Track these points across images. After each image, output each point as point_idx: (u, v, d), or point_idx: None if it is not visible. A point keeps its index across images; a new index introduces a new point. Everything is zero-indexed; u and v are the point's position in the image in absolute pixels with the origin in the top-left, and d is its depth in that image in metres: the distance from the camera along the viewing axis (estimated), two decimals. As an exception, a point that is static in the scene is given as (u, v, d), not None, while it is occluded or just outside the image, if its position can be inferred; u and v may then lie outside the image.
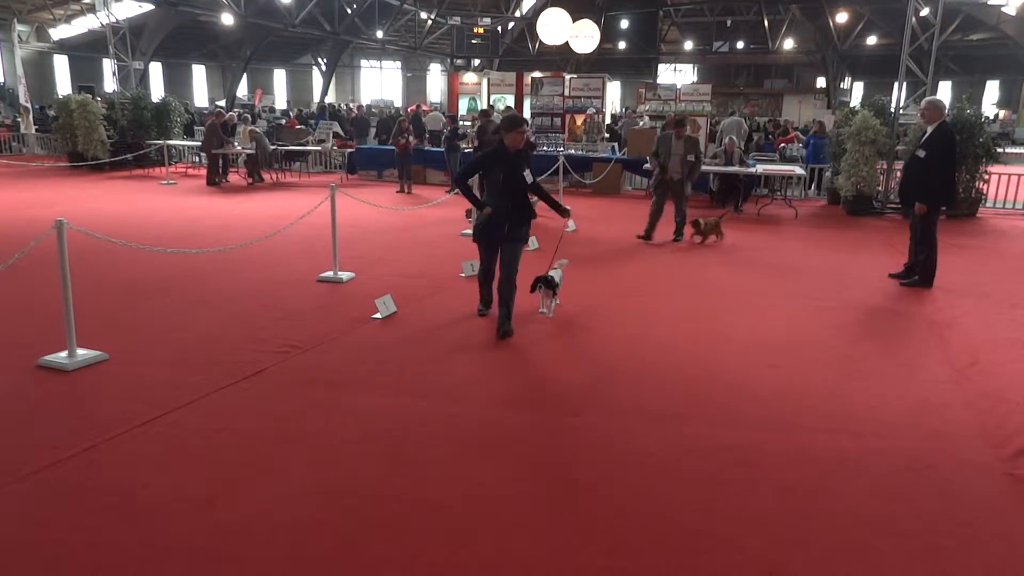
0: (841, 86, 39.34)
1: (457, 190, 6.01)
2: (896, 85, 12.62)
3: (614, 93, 38.31)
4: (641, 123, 16.84)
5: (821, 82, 40.13)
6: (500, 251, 5.49)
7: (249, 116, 19.31)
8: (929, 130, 6.99)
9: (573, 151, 15.39)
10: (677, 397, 4.44)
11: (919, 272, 7.24)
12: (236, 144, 15.29)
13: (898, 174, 12.22)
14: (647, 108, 17.75)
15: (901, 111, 12.56)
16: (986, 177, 12.30)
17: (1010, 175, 13.00)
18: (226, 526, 3.00)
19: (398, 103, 41.22)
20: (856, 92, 40.47)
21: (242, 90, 37.64)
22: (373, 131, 20.42)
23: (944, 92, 40.80)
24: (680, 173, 9.18)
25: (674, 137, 9.24)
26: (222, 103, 30.55)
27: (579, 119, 17.03)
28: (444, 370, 4.82)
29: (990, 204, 12.86)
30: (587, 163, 14.60)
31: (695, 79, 40.12)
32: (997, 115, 36.61)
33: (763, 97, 40.79)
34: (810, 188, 14.51)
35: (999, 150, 13.54)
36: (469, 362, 5.01)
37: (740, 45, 39.68)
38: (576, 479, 3.48)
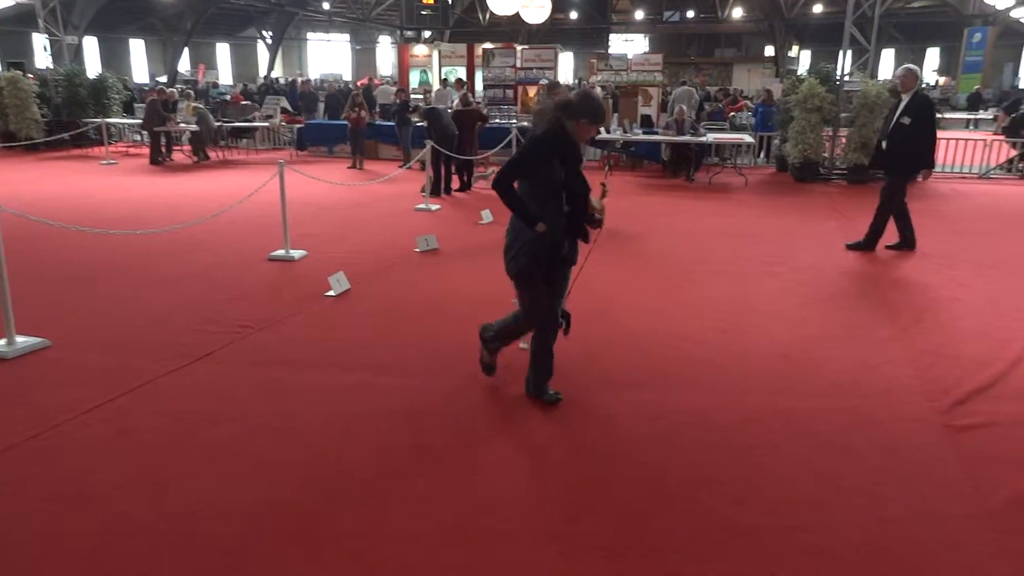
0: (789, 54, 39.83)
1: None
2: (840, 53, 12.83)
3: (566, 64, 38.17)
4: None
5: (769, 51, 40.57)
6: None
7: (192, 92, 18.69)
8: (906, 98, 7.09)
9: (526, 123, 15.31)
10: (633, 364, 4.50)
11: (872, 232, 7.40)
12: (179, 121, 14.81)
13: (843, 140, 12.53)
14: (599, 79, 17.75)
15: (845, 78, 12.79)
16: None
17: (949, 140, 13.41)
18: (181, 509, 2.96)
19: (347, 77, 40.38)
20: (804, 60, 41.05)
21: (184, 65, 36.36)
22: (322, 106, 19.99)
23: (887, 59, 41.66)
24: None
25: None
26: (163, 79, 29.49)
27: (532, 91, 16.92)
28: (401, 345, 4.80)
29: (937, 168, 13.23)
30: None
31: (647, 49, 40.16)
32: (937, 82, 37.61)
33: (713, 66, 41.05)
34: (759, 156, 14.74)
35: (939, 116, 13.95)
36: (426, 337, 4.99)
37: (690, 14, 39.82)
38: (535, 447, 3.52)
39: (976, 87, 29.11)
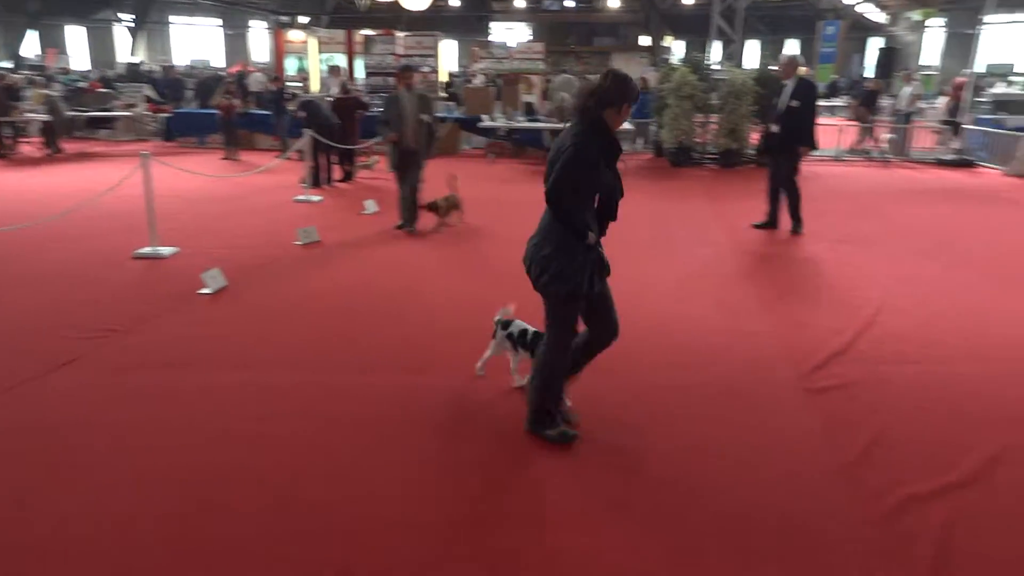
0: (663, 44, 41.37)
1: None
2: (709, 43, 13.47)
3: (449, 52, 37.89)
4: (476, 81, 16.82)
5: (645, 40, 41.98)
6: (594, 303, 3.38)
7: (44, 79, 17.16)
8: (790, 84, 7.53)
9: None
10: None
11: (793, 218, 7.75)
12: (24, 111, 13.56)
13: (713, 127, 13.17)
14: (482, 67, 17.77)
15: (713, 67, 13.44)
16: (788, 127, 13.51)
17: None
18: (43, 523, 2.74)
19: (218, 63, 38.33)
20: (678, 49, 42.80)
21: (34, 49, 33.29)
22: (192, 94, 18.90)
23: (752, 49, 44.07)
24: (416, 141, 7.27)
25: (405, 93, 7.28)
26: (6, 64, 26.90)
27: (415, 78, 16.72)
28: (284, 341, 4.64)
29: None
30: (437, 121, 14.42)
31: (529, 37, 40.56)
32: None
33: (593, 55, 42.06)
34: (637, 142, 15.25)
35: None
36: (311, 330, 4.85)
37: (570, 3, 40.53)
38: (431, 432, 3.51)
39: (832, 76, 31.38)
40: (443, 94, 17.49)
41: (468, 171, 12.11)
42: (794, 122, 7.46)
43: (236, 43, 43.05)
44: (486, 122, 13.19)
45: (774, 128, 7.65)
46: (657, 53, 38.22)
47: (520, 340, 3.81)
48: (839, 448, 3.37)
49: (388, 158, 7.67)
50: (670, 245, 7.23)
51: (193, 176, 8.42)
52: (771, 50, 43.81)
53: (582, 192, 3.16)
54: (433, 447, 3.39)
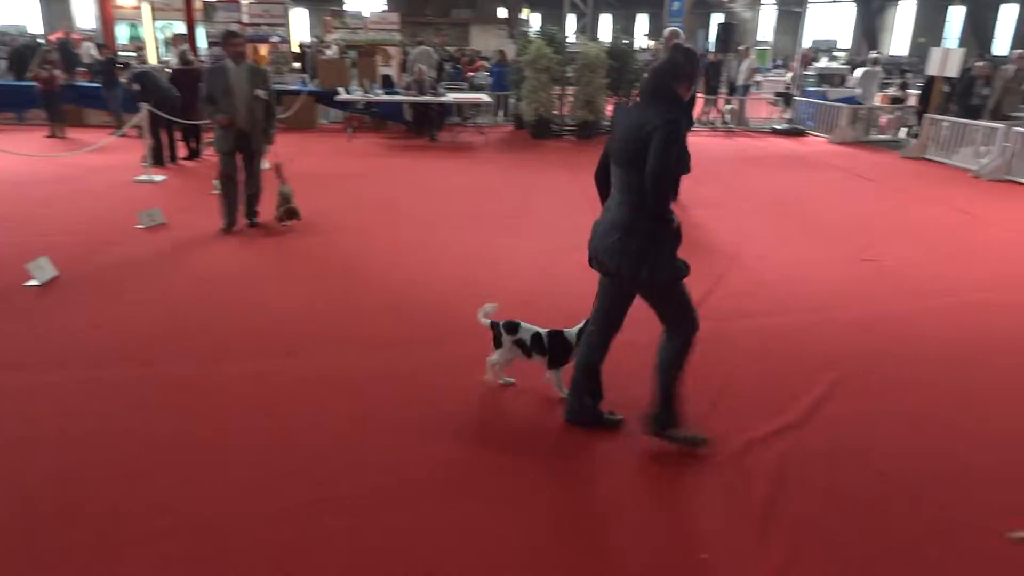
0: (520, 16, 41.63)
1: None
2: (563, 15, 13.71)
3: (300, 21, 36.19)
4: (329, 52, 16.21)
5: (503, 12, 42.08)
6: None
7: None
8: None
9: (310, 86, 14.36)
10: (384, 324, 4.52)
11: None
12: None
13: (571, 99, 13.47)
14: (335, 37, 17.13)
15: (568, 40, 13.72)
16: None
17: (657, 97, 15.06)
18: None
19: (35, 29, 34.46)
20: (536, 22, 43.27)
21: None
22: (4, 64, 16.90)
23: (605, 23, 45.36)
24: (250, 121, 6.32)
25: (232, 65, 6.24)
26: None
27: (263, 49, 15.85)
28: (127, 331, 4.32)
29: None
30: (276, 96, 13.75)
31: (384, 8, 39.49)
32: (647, 45, 41.87)
33: (451, 27, 41.69)
34: (498, 114, 15.35)
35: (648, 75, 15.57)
36: (161, 318, 4.54)
37: (425, -27, 39.72)
38: (291, 416, 3.41)
39: (678, 50, 32.78)
40: (296, 65, 16.73)
41: (326, 146, 11.76)
42: None
43: (58, 8, 38.90)
44: (343, 95, 12.76)
45: None
46: (515, 25, 38.45)
47: (535, 346, 3.55)
48: (693, 400, 3.60)
49: (216, 143, 6.45)
50: (532, 216, 7.37)
51: (13, 156, 7.58)
52: (622, 24, 45.30)
53: (675, 171, 2.97)
54: (289, 434, 3.30)
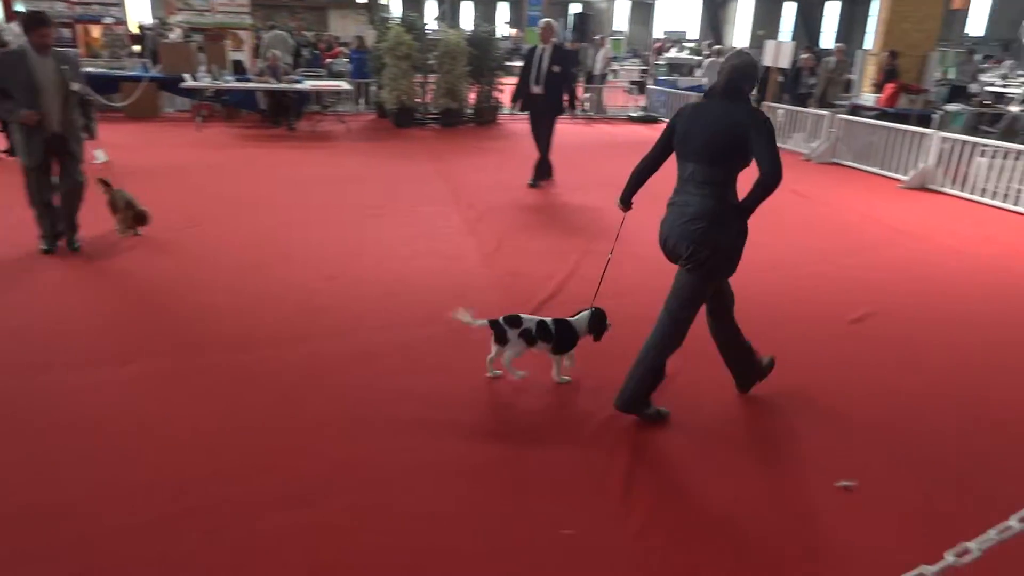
0: (381, 1, 40.79)
1: None
2: (424, 2, 13.54)
3: (138, 1, 33.58)
4: (172, 36, 15.16)
5: (362, -3, 40.98)
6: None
7: None
8: (548, 48, 7.93)
9: (92, 69, 13.18)
10: (244, 324, 4.32)
11: (542, 171, 8.34)
12: None
13: (432, 87, 13.38)
14: (179, 19, 16.03)
15: (428, 27, 13.60)
16: (501, 88, 14.23)
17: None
18: None
19: None
20: (396, 8, 42.55)
21: None
22: None
23: (467, 11, 45.36)
24: (65, 123, 5.17)
25: (35, 55, 4.97)
26: None
27: (95, 30, 14.57)
28: (-62, 348, 3.86)
29: (506, 111, 14.96)
30: (113, 83, 12.71)
31: (233, -12, 37.40)
32: (509, 33, 42.31)
33: (308, 11, 40.16)
34: (359, 103, 15.00)
35: (509, 64, 15.79)
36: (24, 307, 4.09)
37: (277, -46, 37.98)
38: (137, 423, 3.19)
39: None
40: (135, 48, 15.52)
41: (172, 137, 11.03)
42: (556, 85, 7.98)
43: None
44: (189, 82, 11.99)
45: (537, 90, 8.01)
46: (375, 11, 37.64)
47: (541, 334, 3.58)
48: (553, 382, 3.72)
49: (21, 154, 5.18)
50: (397, 205, 7.28)
51: None
52: (483, 12, 45.45)
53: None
54: (144, 437, 3.10)
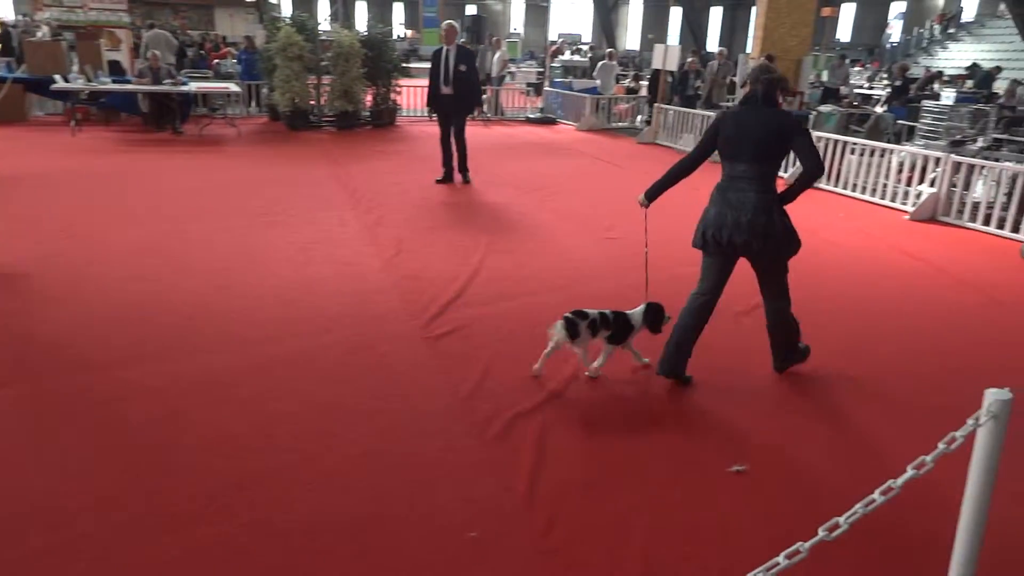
0: (270, 1, 39.53)
1: None
2: (315, 2, 13.21)
3: (1, -4, 31.23)
4: (40, 34, 14.13)
5: (249, -5, 39.59)
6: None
7: None
8: (453, 49, 8.12)
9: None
10: (128, 338, 4.07)
11: (462, 168, 8.69)
12: None
13: (326, 89, 13.08)
14: (47, 16, 14.93)
15: (321, 27, 13.28)
16: (399, 90, 14.09)
17: (417, 87, 15.21)
18: None
19: None
20: (286, 7, 41.32)
21: None
22: None
23: (360, 11, 44.63)
24: None
25: None
26: None
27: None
28: None
29: (405, 113, 14.84)
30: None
31: (108, -16, 35.26)
32: (406, 34, 41.96)
33: (192, 9, 38.38)
34: (251, 105, 14.48)
35: (407, 65, 15.65)
36: None
37: (155, -51, 36.13)
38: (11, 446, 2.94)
39: (436, 42, 33.21)
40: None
41: (44, 142, 10.32)
42: (463, 84, 8.25)
43: None
44: (60, 84, 11.20)
45: (447, 90, 8.22)
46: (264, 10, 36.43)
47: (604, 323, 3.80)
48: (455, 385, 3.71)
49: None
50: (292, 211, 7.07)
51: None
52: (377, 12, 44.88)
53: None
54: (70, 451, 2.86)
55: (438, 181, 8.62)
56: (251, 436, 3.19)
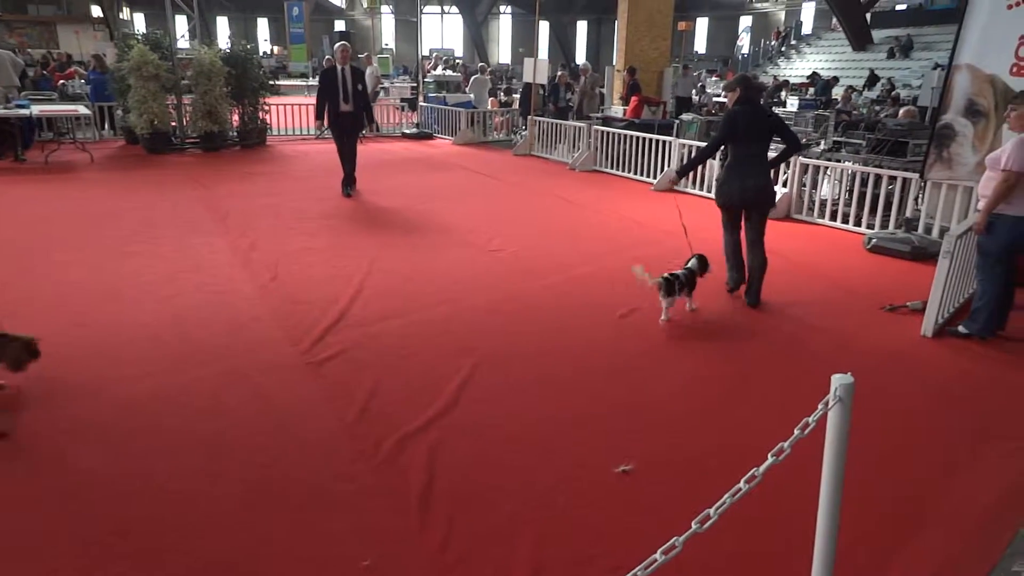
0: (120, 16, 37.23)
1: None
2: (168, 18, 12.57)
3: None
4: None
5: (97, 11, 37.16)
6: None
7: None
8: (348, 68, 8.57)
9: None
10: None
11: (350, 182, 9.17)
12: None
13: (188, 109, 12.46)
14: None
15: (180, 45, 12.64)
16: (267, 108, 13.63)
17: (288, 105, 14.78)
18: None
19: None
20: (139, 23, 39.07)
21: None
22: None
23: (222, 27, 42.95)
24: None
25: None
26: None
27: None
28: None
29: (275, 132, 14.37)
30: None
31: (-72, -1, 32.06)
32: (272, 50, 40.70)
33: (32, 25, 35.49)
34: (104, 128, 13.56)
35: (275, 83, 15.18)
36: None
37: (-17, -39, 33.28)
38: None
39: (304, 58, 32.56)
40: None
41: None
42: (361, 102, 8.81)
43: None
44: None
45: (347, 108, 8.64)
46: (115, 27, 34.27)
47: (688, 280, 4.98)
48: (341, 410, 3.62)
49: None
50: (156, 239, 6.66)
51: None
52: (240, 29, 43.37)
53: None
54: None
55: (345, 195, 9.10)
56: (126, 479, 2.98)
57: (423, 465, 3.17)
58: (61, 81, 15.92)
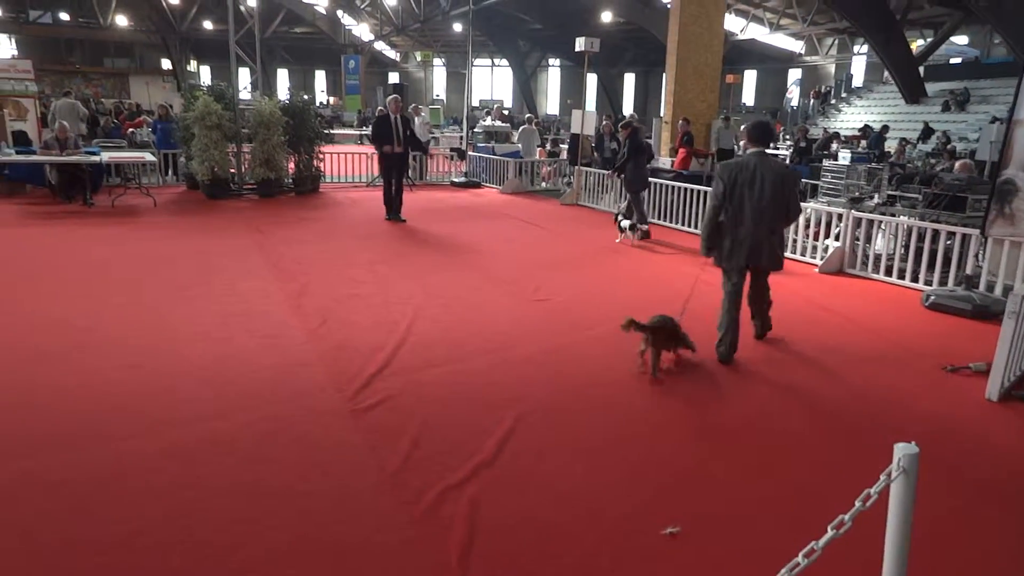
0: (188, 68, 39.21)
1: None
2: (231, 71, 13.16)
3: None
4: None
5: (167, 63, 39.27)
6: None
7: None
8: (398, 116, 10.49)
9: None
10: (26, 424, 3.79)
11: (397, 206, 10.99)
12: None
13: (247, 157, 12.94)
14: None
15: (241, 96, 13.20)
16: (321, 156, 14.07)
17: (341, 153, 15.23)
18: None
19: None
20: (205, 75, 41.04)
21: None
22: None
23: (282, 78, 44.79)
24: None
25: None
26: None
27: None
28: None
29: (328, 179, 14.79)
30: None
31: (14, 52, 34.28)
32: (329, 100, 42.24)
33: (106, 77, 37.64)
34: (168, 174, 14.15)
35: (330, 132, 15.70)
36: None
37: (65, 17, 35.64)
38: None
39: (359, 108, 33.66)
40: None
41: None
42: (409, 144, 10.80)
43: None
44: (-40, 155, 10.69)
45: (399, 149, 10.58)
46: (183, 78, 36.08)
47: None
48: (384, 459, 3.61)
49: None
50: (211, 283, 6.85)
51: None
52: (299, 80, 45.16)
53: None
54: None
55: (387, 218, 10.92)
56: (167, 529, 2.99)
57: (464, 518, 3.12)
58: (131, 129, 16.73)
